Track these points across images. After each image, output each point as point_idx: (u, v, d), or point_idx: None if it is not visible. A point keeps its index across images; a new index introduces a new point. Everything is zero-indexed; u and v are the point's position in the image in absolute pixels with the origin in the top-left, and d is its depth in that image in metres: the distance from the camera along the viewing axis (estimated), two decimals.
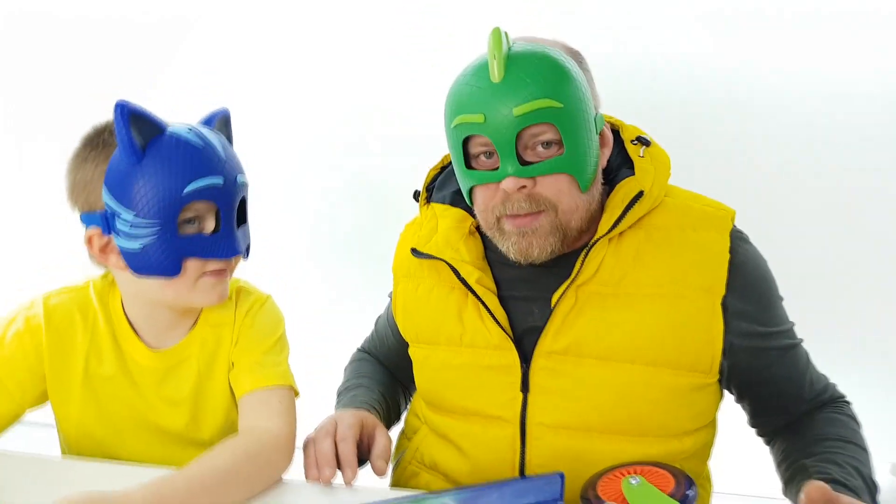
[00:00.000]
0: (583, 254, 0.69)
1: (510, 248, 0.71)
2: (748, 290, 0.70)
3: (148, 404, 0.77)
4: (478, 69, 0.67)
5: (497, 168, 0.67)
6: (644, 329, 0.68)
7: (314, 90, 1.67)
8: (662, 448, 0.69)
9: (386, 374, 0.92)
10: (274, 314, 0.83)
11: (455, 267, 0.73)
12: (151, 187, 0.68)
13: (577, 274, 0.69)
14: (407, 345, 0.82)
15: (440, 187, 0.84)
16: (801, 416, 0.73)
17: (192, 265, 0.70)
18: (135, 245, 0.68)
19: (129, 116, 0.66)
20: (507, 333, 0.71)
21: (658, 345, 0.68)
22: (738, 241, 0.72)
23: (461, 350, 0.75)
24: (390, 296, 0.89)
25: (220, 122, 0.76)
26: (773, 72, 1.35)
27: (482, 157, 0.69)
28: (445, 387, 0.77)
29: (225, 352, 0.79)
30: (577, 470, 0.63)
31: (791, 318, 0.74)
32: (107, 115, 2.00)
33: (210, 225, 0.71)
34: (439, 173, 0.85)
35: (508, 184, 0.66)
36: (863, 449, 0.69)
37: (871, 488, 0.64)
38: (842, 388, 0.77)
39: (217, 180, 0.70)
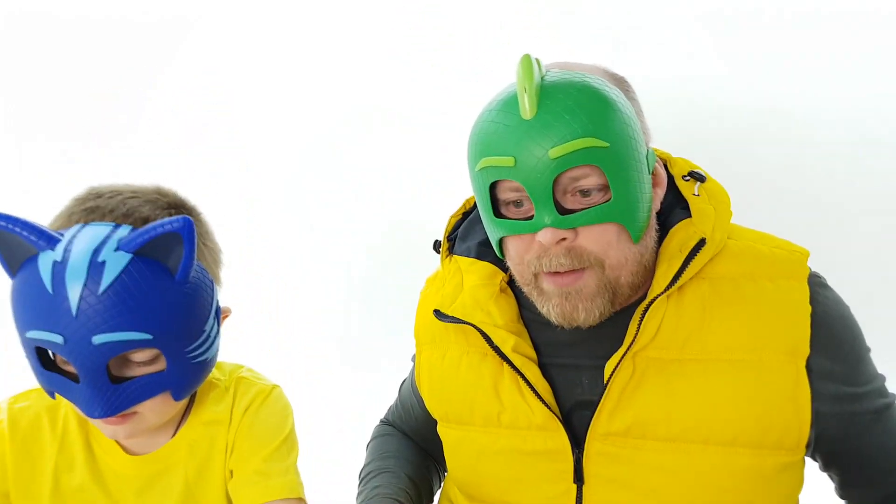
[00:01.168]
0: (638, 313, 0.59)
1: (551, 310, 0.60)
2: (835, 345, 0.59)
3: None
4: (505, 104, 0.57)
5: (531, 217, 0.57)
6: (718, 402, 0.58)
7: (314, 90, 1.65)
8: None
9: (413, 450, 0.80)
10: (279, 409, 0.72)
11: (486, 333, 0.63)
12: (12, 311, 0.58)
13: (633, 339, 0.59)
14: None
15: (463, 237, 0.73)
16: None
17: (67, 401, 0.60)
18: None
19: None
20: (552, 412, 0.61)
21: (736, 421, 0.58)
22: (817, 287, 0.61)
23: (500, 432, 0.64)
24: (413, 360, 0.79)
25: (158, 243, 0.56)
26: (781, 73, 1.31)
27: (512, 206, 0.60)
28: (483, 476, 0.67)
29: (219, 456, 0.68)
30: None
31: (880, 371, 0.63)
32: (107, 115, 1.71)
33: (74, 371, 0.58)
34: (461, 220, 0.75)
35: (546, 236, 0.56)
36: None
37: None
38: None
39: (55, 338, 0.55)
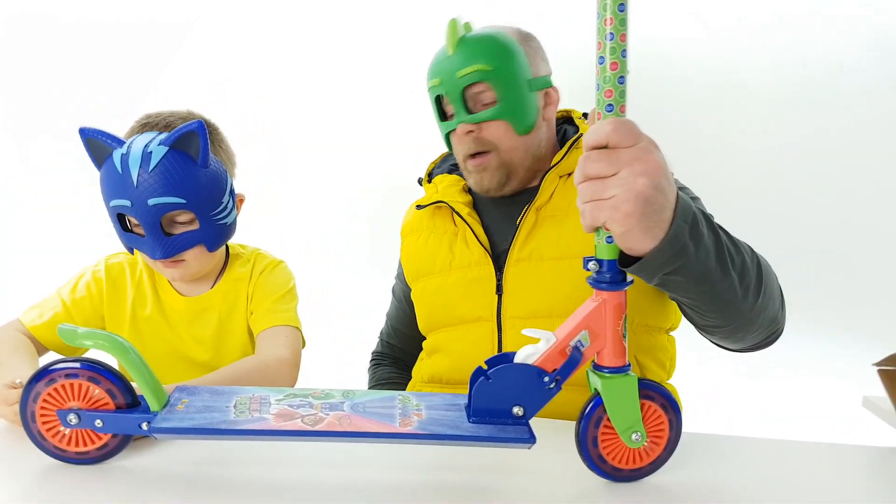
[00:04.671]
0: (542, 182, 0.89)
1: (472, 182, 0.93)
2: None
3: (180, 341, 0.93)
4: (441, 49, 0.90)
5: (453, 121, 0.90)
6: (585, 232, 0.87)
7: (319, 89, 1.76)
8: None
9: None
10: (284, 273, 0.99)
11: (451, 204, 0.94)
12: (101, 190, 0.82)
13: (536, 197, 0.89)
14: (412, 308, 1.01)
15: (439, 166, 1.07)
16: None
17: (140, 253, 0.85)
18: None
19: (85, 139, 0.80)
20: (486, 250, 0.90)
21: None
22: None
23: (451, 273, 0.93)
24: (393, 290, 1.13)
25: (184, 137, 0.79)
26: (748, 48, 1.42)
27: (450, 115, 0.92)
28: (440, 306, 0.94)
29: (242, 302, 0.95)
30: None
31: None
32: (108, 114, 1.84)
33: (141, 230, 0.83)
34: (436, 168, 1.08)
35: (460, 129, 0.89)
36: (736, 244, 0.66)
37: (693, 216, 0.58)
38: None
39: (124, 202, 0.79)
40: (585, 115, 0.98)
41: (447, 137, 0.94)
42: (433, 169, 1.07)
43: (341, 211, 1.79)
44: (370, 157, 1.72)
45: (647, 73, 1.43)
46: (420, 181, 1.07)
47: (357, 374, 1.15)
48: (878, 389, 0.98)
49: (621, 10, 0.51)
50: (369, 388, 1.10)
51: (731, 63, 1.41)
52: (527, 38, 0.94)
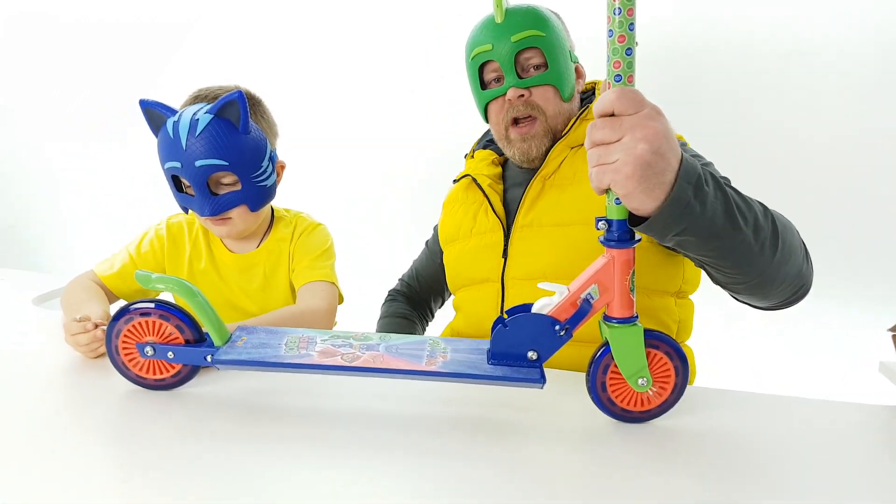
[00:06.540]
0: (551, 152, 0.94)
1: (515, 153, 0.97)
2: None
3: (231, 292, 1.03)
4: (486, 20, 0.94)
5: (503, 85, 0.94)
6: (587, 200, 0.88)
7: (318, 88, 1.74)
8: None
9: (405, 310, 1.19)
10: (322, 234, 1.08)
11: (475, 177, 1.02)
12: (158, 155, 0.91)
13: (543, 167, 0.94)
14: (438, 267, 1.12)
15: (479, 143, 1.13)
16: None
17: (192, 212, 0.95)
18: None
19: (144, 109, 0.88)
20: (499, 218, 0.97)
21: (591, 208, 0.87)
22: None
23: (471, 238, 1.01)
24: (427, 242, 1.22)
25: (227, 106, 0.87)
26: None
27: (493, 83, 0.96)
28: (460, 269, 1.03)
29: (284, 260, 1.04)
30: None
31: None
32: (107, 114, 1.96)
33: (192, 191, 0.91)
34: (478, 144, 1.13)
35: (512, 93, 0.92)
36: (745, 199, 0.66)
37: (706, 179, 0.61)
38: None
39: (176, 164, 0.88)
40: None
41: (485, 109, 0.98)
42: (476, 146, 1.14)
43: (341, 211, 1.78)
44: (370, 157, 1.73)
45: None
46: (466, 156, 1.15)
47: None
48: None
49: None
50: (381, 319, 1.20)
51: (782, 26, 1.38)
52: (558, 16, 0.98)
